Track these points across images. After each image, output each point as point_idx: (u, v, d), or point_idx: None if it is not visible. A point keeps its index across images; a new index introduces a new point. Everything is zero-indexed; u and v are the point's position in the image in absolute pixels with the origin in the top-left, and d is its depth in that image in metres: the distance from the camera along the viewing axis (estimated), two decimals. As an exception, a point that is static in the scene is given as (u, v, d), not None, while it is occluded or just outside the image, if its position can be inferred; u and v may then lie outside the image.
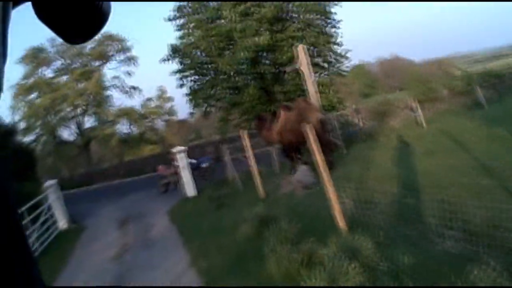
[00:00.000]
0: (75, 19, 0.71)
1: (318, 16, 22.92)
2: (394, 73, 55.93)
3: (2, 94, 0.56)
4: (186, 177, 14.51)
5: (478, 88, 17.72)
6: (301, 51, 13.84)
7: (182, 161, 14.63)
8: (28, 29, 18.60)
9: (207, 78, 24.74)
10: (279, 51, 22.14)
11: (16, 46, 33.10)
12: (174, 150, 15.13)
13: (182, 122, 36.90)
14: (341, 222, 5.68)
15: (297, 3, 22.56)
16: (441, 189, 6.45)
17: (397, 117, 17.25)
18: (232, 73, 23.74)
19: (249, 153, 10.85)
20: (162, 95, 36.58)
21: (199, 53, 24.50)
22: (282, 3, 22.15)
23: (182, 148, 15.09)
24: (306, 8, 22.42)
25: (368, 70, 58.07)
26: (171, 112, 36.69)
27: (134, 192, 19.16)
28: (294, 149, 11.86)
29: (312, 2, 22.40)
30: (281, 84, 22.99)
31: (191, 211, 11.69)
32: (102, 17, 0.73)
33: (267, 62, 22.72)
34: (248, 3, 22.41)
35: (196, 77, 24.87)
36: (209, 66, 24.14)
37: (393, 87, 50.95)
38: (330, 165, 8.75)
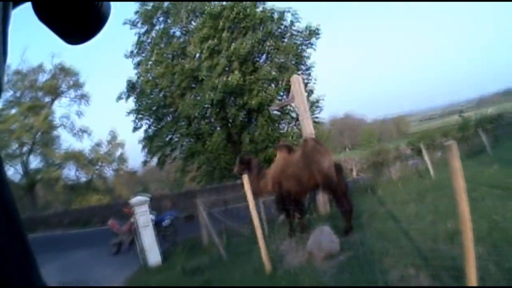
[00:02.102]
0: (75, 20, 0.70)
1: (292, 58, 20.29)
2: (346, 131, 55.83)
3: (2, 94, 0.56)
4: (148, 238, 10.56)
5: (481, 132, 16.51)
6: (297, 82, 10.80)
7: (143, 217, 10.69)
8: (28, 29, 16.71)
9: (164, 122, 21.27)
10: (249, 95, 19.14)
11: (16, 46, 30.91)
12: (133, 200, 11.01)
13: (133, 172, 32.88)
14: None
15: (269, 43, 19.91)
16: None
17: (395, 167, 14.53)
18: (194, 118, 20.43)
19: (251, 204, 7.17)
20: (112, 141, 32.67)
21: (158, 92, 21.22)
22: (254, 40, 19.43)
23: (143, 198, 10.98)
24: (279, 48, 19.82)
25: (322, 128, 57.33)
26: (121, 159, 32.69)
27: (80, 248, 14.82)
28: (295, 202, 8.57)
29: (285, 43, 19.91)
30: (250, 132, 19.77)
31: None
32: (102, 17, 0.73)
33: (235, 106, 19.53)
34: (216, 40, 19.61)
35: (153, 120, 21.36)
36: (169, 108, 20.76)
37: (344, 145, 50.19)
38: (349, 227, 7.22)
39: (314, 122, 21.25)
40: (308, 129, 10.76)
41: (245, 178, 7.12)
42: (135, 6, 21.76)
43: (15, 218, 0.52)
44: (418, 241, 5.62)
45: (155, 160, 21.72)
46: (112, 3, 0.75)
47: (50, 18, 0.68)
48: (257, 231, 6.70)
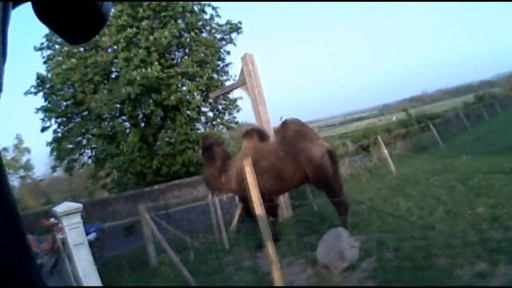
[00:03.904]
0: (75, 19, 0.69)
1: (212, 52, 18.57)
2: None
3: (1, 94, 0.56)
4: (84, 261, 7.12)
5: (432, 126, 16.26)
6: (249, 62, 8.79)
7: (75, 231, 7.42)
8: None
9: (75, 122, 18.84)
10: (168, 90, 17.17)
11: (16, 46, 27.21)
12: (59, 209, 7.54)
13: (39, 180, 29.58)
14: None
15: (189, 35, 18.13)
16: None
17: (344, 164, 13.04)
18: (106, 116, 18.19)
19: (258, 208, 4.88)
20: (18, 145, 29.36)
21: (70, 88, 18.82)
22: (175, 31, 17.55)
23: (74, 205, 7.53)
24: (200, 42, 18.09)
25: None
26: (27, 166, 29.39)
27: None
28: (268, 203, 6.36)
29: (205, 37, 18.26)
30: (170, 131, 17.73)
31: None
32: (102, 17, 0.72)
33: (153, 103, 17.43)
34: (134, 29, 17.57)
35: (62, 119, 18.87)
36: (80, 105, 18.37)
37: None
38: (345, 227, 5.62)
39: (229, 126, 19.58)
40: (264, 118, 8.80)
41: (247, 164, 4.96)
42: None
43: (15, 218, 0.51)
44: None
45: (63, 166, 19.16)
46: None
47: (50, 18, 0.67)
48: (269, 249, 4.51)
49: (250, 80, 8.86)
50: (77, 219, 7.12)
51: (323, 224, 6.98)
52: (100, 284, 6.84)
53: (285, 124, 6.81)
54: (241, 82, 9.13)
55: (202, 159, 7.75)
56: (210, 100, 18.08)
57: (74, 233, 7.09)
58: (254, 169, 5.86)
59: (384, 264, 4.52)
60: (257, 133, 6.88)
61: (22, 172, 28.50)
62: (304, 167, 6.15)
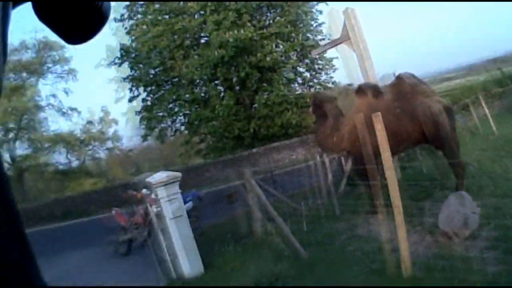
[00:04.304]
0: (75, 19, 0.69)
1: (305, 12, 18.01)
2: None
3: (2, 93, 0.56)
4: (182, 236, 6.46)
5: None
6: (352, 15, 8.37)
7: (173, 204, 6.55)
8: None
9: (165, 88, 18.87)
10: (262, 51, 16.86)
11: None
12: (154, 178, 6.78)
13: (128, 151, 30.09)
14: None
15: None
16: None
17: None
18: (199, 81, 18.11)
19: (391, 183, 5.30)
20: (105, 118, 29.97)
21: (157, 55, 18.76)
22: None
23: (171, 175, 6.67)
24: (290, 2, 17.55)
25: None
26: (115, 138, 29.98)
27: (77, 248, 10.93)
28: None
29: None
30: (267, 93, 17.51)
31: None
32: (102, 17, 0.72)
33: (248, 65, 17.17)
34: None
35: (152, 87, 18.92)
36: (170, 72, 18.34)
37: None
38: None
39: (326, 86, 19.13)
40: (370, 74, 8.45)
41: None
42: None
43: (15, 217, 0.51)
44: None
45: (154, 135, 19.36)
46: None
47: (50, 18, 0.67)
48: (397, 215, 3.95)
49: (354, 34, 8.44)
50: (175, 189, 6.50)
51: (435, 187, 6.48)
52: (199, 258, 6.35)
53: (399, 79, 6.45)
54: (344, 38, 8.66)
55: (313, 117, 7.42)
56: (306, 61, 17.73)
57: (171, 205, 6.48)
58: (368, 128, 5.51)
59: (505, 232, 4.10)
60: (370, 89, 6.45)
61: (109, 144, 29.15)
62: (422, 124, 5.84)
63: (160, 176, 6.61)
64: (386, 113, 5.81)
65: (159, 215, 6.69)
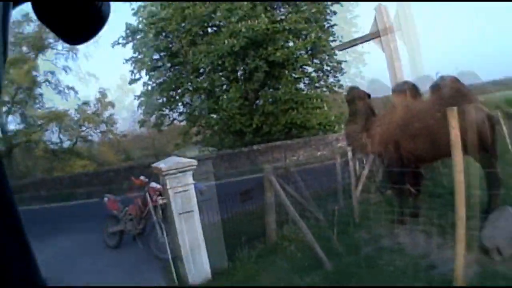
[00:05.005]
0: (75, 20, 0.69)
1: (319, 11, 17.42)
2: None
3: (1, 92, 0.55)
4: (193, 234, 5.50)
5: None
6: (384, 11, 7.98)
7: (184, 195, 5.51)
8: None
9: (168, 74, 18.14)
10: (273, 46, 16.22)
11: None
12: (164, 164, 5.56)
13: (122, 136, 29.25)
14: None
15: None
16: None
17: None
18: (204, 70, 17.41)
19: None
20: (101, 99, 29.15)
21: (164, 38, 18.05)
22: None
23: (186, 161, 5.57)
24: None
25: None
26: (109, 121, 29.12)
27: (62, 234, 9.68)
28: (414, 172, 5.71)
29: None
30: (273, 89, 16.87)
31: None
32: (101, 17, 0.72)
33: (258, 58, 16.49)
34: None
35: (155, 72, 18.19)
36: (175, 57, 17.63)
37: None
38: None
39: (332, 89, 18.50)
40: (399, 75, 8.00)
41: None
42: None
43: (15, 217, 0.51)
44: None
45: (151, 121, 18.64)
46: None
47: (50, 18, 0.67)
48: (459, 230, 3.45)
49: (385, 33, 8.03)
50: (188, 179, 5.52)
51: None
52: (207, 262, 5.46)
53: (442, 80, 5.85)
54: (373, 35, 8.26)
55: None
56: (316, 61, 17.18)
57: (181, 198, 5.52)
58: (404, 131, 5.47)
59: None
60: (410, 89, 5.88)
61: (103, 127, 28.29)
62: (462, 132, 5.45)
63: (171, 161, 5.57)
64: (426, 116, 5.42)
65: (165, 208, 5.84)
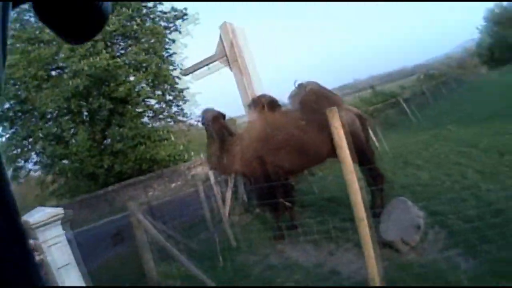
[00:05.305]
0: (75, 19, 0.68)
1: (159, 41, 17.11)
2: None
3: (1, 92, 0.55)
4: (76, 284, 4.92)
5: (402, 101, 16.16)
6: (229, 30, 7.77)
7: (58, 248, 4.89)
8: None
9: (20, 124, 17.19)
10: (115, 81, 15.64)
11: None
12: (32, 218, 4.70)
13: None
14: None
15: (135, 23, 16.69)
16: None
17: None
18: (54, 114, 16.60)
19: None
20: None
21: (12, 86, 17.20)
22: (122, 18, 16.06)
23: (53, 211, 4.86)
24: (147, 29, 16.65)
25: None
26: None
27: None
28: (284, 185, 5.70)
29: (151, 25, 16.84)
30: (119, 126, 16.16)
31: None
32: (102, 17, 0.71)
33: (101, 96, 15.87)
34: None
35: (5, 124, 17.21)
36: (23, 104, 16.77)
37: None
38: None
39: (177, 119, 17.93)
40: (250, 91, 7.55)
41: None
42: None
43: (15, 218, 0.50)
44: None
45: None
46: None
47: (50, 18, 0.67)
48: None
49: (231, 51, 7.78)
50: (59, 230, 5.04)
51: (338, 204, 5.86)
52: None
53: (301, 87, 5.61)
54: (219, 55, 8.02)
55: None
56: (158, 92, 16.77)
57: (57, 250, 5.00)
58: (267, 145, 5.28)
59: (451, 232, 3.99)
60: (267, 102, 5.63)
61: None
62: (332, 135, 5.11)
63: (39, 213, 5.07)
64: (289, 126, 5.27)
65: (41, 265, 4.96)
